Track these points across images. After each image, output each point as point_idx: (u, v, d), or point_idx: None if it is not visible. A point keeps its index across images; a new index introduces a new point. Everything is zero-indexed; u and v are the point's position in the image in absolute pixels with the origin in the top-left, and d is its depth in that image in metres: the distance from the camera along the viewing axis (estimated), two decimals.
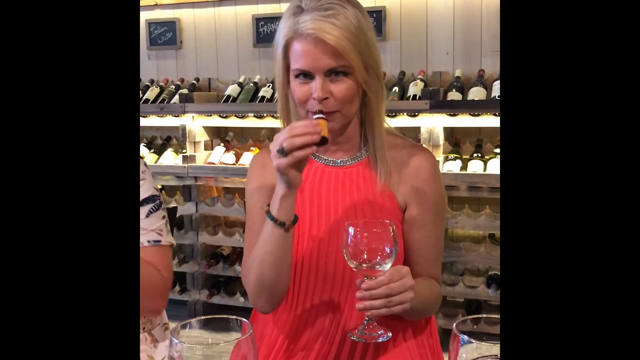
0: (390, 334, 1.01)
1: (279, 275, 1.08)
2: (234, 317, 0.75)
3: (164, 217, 1.29)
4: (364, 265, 0.96)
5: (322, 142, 0.97)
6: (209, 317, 0.76)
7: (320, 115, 1.01)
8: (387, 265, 0.96)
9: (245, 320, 0.75)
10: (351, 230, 0.96)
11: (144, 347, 1.28)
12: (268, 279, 1.08)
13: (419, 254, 1.16)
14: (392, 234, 0.96)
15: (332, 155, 1.19)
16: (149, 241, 1.24)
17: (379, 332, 1.00)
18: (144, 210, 1.25)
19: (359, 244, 0.96)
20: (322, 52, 1.03)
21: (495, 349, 0.65)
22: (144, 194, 1.25)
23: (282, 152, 0.96)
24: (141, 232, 1.23)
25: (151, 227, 1.25)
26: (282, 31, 1.08)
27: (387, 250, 0.96)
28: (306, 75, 1.06)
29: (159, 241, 1.25)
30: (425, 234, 1.16)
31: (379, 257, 0.95)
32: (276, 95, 1.19)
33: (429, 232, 1.16)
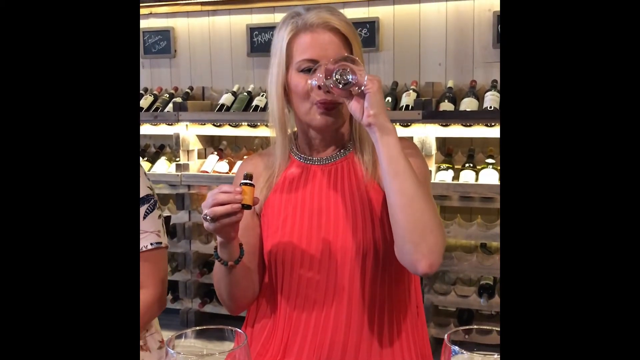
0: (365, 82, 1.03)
1: (233, 296, 1.17)
2: (229, 327, 0.76)
3: (160, 216, 1.26)
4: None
5: (246, 208, 0.99)
6: (204, 327, 0.77)
7: (247, 181, 0.99)
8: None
9: (239, 330, 0.76)
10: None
11: None
12: (224, 298, 1.19)
13: None
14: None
15: (318, 154, 1.22)
16: (151, 244, 1.21)
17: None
18: (141, 211, 1.21)
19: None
20: (330, 42, 1.10)
21: None
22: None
23: (208, 219, 1.00)
24: (141, 234, 1.21)
25: (150, 229, 1.22)
26: (283, 33, 1.13)
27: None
28: (311, 66, 1.10)
29: (160, 243, 1.23)
30: None
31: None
32: (269, 106, 1.21)
33: None
